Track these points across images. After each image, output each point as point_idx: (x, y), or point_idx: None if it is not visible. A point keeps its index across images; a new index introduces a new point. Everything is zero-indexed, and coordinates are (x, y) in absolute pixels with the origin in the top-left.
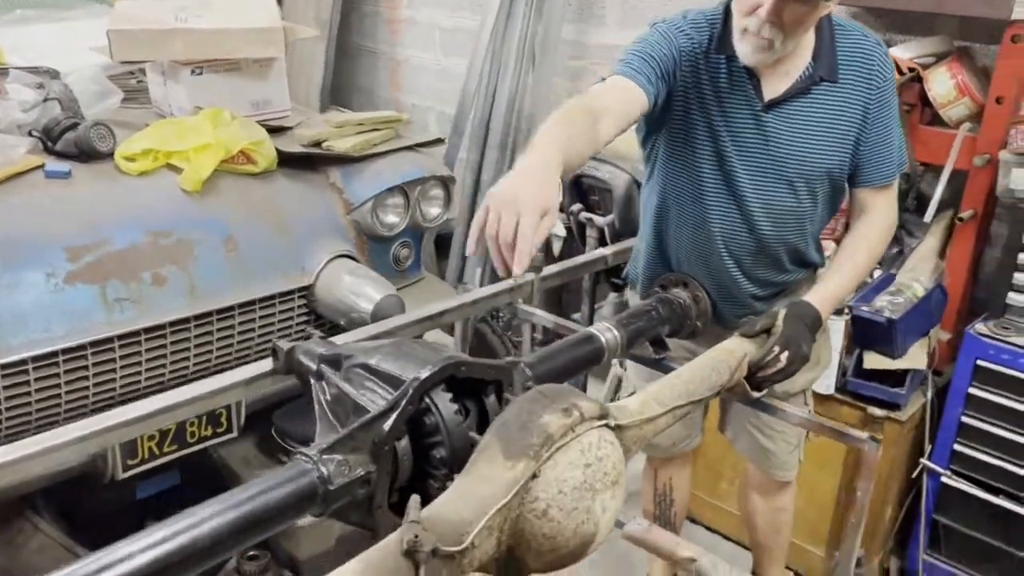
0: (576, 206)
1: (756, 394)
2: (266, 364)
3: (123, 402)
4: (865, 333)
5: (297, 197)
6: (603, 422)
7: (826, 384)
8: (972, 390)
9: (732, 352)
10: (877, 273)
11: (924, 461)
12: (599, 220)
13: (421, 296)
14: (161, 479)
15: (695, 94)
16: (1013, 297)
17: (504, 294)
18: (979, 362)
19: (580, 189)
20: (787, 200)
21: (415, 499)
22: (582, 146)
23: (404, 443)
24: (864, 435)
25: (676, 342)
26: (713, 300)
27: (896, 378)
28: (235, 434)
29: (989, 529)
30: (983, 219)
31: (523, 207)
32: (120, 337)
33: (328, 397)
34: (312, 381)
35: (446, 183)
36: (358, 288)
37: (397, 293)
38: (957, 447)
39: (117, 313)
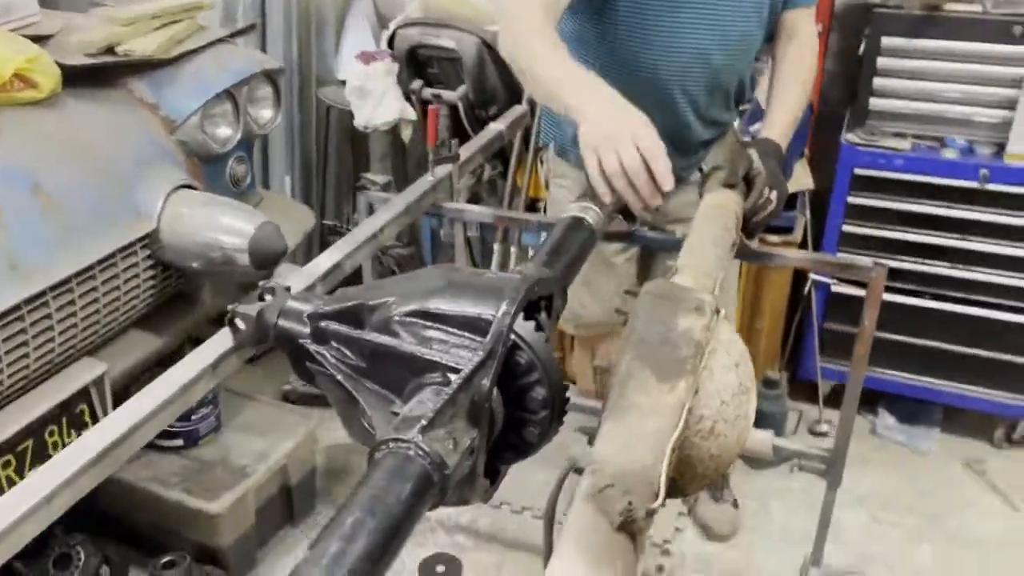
0: (416, 83)
1: (753, 244)
2: (225, 339)
3: None
4: None
5: (103, 123)
6: (723, 312)
7: None
8: (851, 199)
9: (726, 206)
10: None
11: (813, 275)
12: (449, 95)
13: (280, 217)
14: None
15: None
16: (875, 102)
17: (429, 194)
18: (856, 171)
19: (417, 62)
20: (739, 26)
21: (585, 457)
22: None
23: (495, 393)
24: (870, 263)
25: None
26: None
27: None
28: None
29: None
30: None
31: (636, 131)
32: None
33: (355, 361)
34: (309, 346)
35: (273, 78)
36: (216, 222)
37: (268, 219)
38: (841, 255)
39: None
